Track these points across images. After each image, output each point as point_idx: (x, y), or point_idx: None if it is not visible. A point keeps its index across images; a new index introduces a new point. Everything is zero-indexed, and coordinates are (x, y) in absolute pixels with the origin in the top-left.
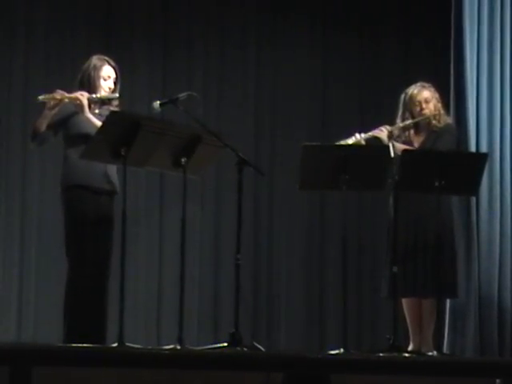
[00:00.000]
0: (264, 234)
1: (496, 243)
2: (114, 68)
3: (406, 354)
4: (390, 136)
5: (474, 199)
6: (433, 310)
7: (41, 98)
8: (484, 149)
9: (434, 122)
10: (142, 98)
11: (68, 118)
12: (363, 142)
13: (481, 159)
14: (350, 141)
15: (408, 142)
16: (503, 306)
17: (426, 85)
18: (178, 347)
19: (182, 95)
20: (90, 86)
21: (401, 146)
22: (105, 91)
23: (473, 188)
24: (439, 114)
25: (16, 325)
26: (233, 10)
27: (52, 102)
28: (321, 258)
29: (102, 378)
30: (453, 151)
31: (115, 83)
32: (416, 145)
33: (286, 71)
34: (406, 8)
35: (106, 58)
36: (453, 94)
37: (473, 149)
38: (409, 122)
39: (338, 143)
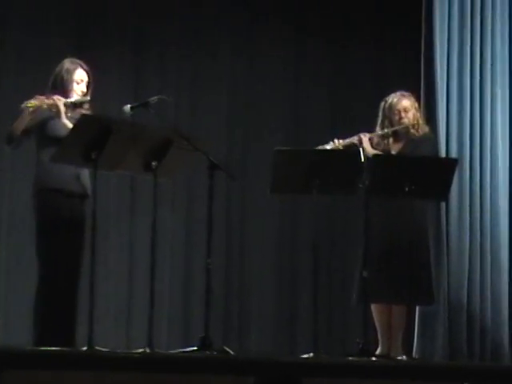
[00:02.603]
0: (235, 238)
1: (465, 249)
2: (86, 71)
3: (376, 359)
4: (361, 141)
5: (443, 205)
6: (403, 315)
7: (23, 105)
8: (454, 154)
9: (412, 130)
10: (114, 101)
11: (45, 122)
12: (341, 148)
13: (451, 164)
14: (329, 146)
15: (387, 149)
16: (472, 311)
17: (406, 94)
18: (148, 351)
19: (153, 98)
20: (63, 89)
21: (372, 151)
22: (77, 94)
23: (443, 193)
24: (418, 124)
25: None
26: (206, 13)
27: (31, 108)
28: (292, 262)
29: (71, 381)
30: (423, 156)
31: (87, 87)
32: (394, 153)
33: (259, 76)
34: (377, 14)
35: (79, 61)
36: (423, 100)
37: (443, 154)
38: (388, 130)
39: (316, 149)
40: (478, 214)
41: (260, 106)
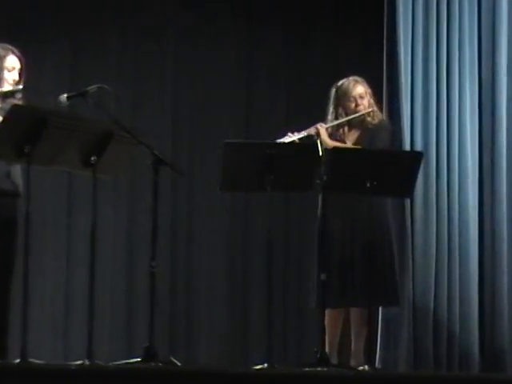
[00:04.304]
0: (182, 239)
1: (432, 249)
2: (18, 58)
3: (335, 369)
4: (319, 134)
5: (408, 202)
6: (362, 321)
7: None
8: (419, 147)
9: (368, 118)
10: (49, 90)
11: None
12: (298, 142)
13: (415, 158)
14: (285, 141)
15: (342, 139)
16: (439, 317)
17: (359, 79)
18: (87, 363)
19: (92, 88)
20: None
21: (332, 143)
22: (8, 83)
23: (407, 189)
24: (373, 111)
25: None
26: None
27: None
28: (244, 266)
29: None
30: (386, 149)
31: (20, 74)
32: (349, 142)
33: (208, 64)
34: (337, 3)
35: (11, 47)
36: (385, 90)
37: (407, 147)
38: (345, 119)
39: (269, 141)
40: (445, 212)
41: (208, 97)
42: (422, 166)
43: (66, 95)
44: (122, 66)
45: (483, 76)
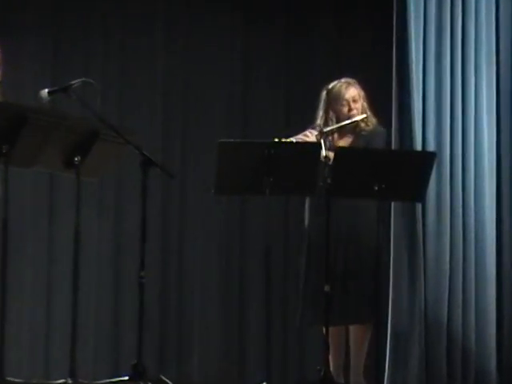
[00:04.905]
0: (174, 246)
1: (445, 257)
2: None
3: None
4: (322, 132)
5: (419, 206)
6: (362, 338)
7: None
8: (431, 147)
9: (362, 124)
10: (29, 85)
11: None
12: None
13: (428, 159)
14: None
15: (332, 147)
16: (453, 332)
17: (351, 81)
18: (70, 382)
19: (76, 82)
20: None
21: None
22: None
23: (418, 193)
24: (367, 116)
25: None
26: None
27: None
28: (241, 274)
29: None
30: (396, 150)
31: None
32: None
33: (201, 60)
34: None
35: None
36: (395, 87)
37: (419, 147)
38: (344, 123)
39: (267, 141)
40: (459, 218)
41: (205, 96)
42: (434, 166)
43: (47, 90)
44: (108, 61)
45: (501, 72)
